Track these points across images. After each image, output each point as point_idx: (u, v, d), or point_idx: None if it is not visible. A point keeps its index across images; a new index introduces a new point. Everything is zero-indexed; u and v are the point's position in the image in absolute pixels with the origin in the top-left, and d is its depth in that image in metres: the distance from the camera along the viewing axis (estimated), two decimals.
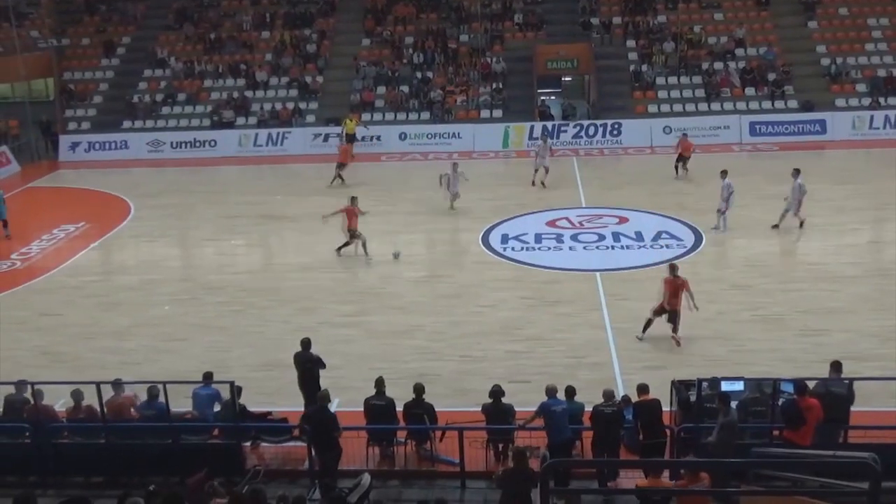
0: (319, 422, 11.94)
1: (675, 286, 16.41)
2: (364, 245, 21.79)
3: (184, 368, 15.49)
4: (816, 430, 11.56)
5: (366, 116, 35.50)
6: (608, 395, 12.26)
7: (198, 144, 35.66)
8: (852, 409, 12.37)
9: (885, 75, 34.26)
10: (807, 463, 10.23)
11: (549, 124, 34.50)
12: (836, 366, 12.54)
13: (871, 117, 32.75)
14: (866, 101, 33.61)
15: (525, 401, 13.01)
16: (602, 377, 14.93)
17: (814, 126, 32.92)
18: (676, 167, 28.67)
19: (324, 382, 13.75)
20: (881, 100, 33.46)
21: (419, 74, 37.38)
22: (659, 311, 16.59)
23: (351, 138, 33.38)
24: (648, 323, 16.66)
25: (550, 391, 12.15)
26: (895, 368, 14.11)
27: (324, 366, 13.95)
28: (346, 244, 21.85)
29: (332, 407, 12.86)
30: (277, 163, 34.24)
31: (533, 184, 27.73)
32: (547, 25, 38.48)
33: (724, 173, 23.12)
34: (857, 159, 30.20)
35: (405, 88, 36.91)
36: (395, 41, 38.91)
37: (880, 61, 35.09)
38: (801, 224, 22.66)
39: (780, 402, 12.20)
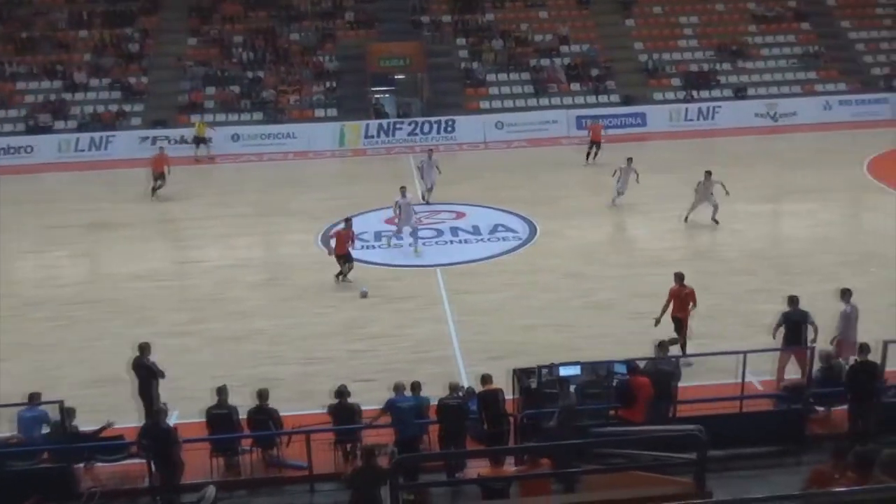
0: (157, 436, 11.50)
1: (681, 296, 15.44)
2: (345, 272, 19.52)
3: (7, 391, 14.50)
4: (648, 406, 12.20)
5: (195, 118, 34.42)
6: (453, 387, 12.45)
7: (12, 151, 33.51)
8: (680, 385, 13.14)
9: (697, 70, 36.47)
10: (640, 439, 10.74)
11: (384, 122, 34.63)
12: (662, 345, 13.27)
13: (686, 110, 34.78)
14: (681, 95, 35.65)
15: (372, 399, 13.02)
16: (446, 370, 15.15)
17: (635, 119, 34.65)
18: (588, 154, 29.51)
19: (163, 393, 13.26)
20: (694, 93, 35.58)
21: (250, 74, 36.62)
22: (658, 321, 15.41)
23: (199, 141, 32.38)
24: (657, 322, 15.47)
25: (397, 388, 12.22)
26: (717, 345, 15.02)
27: (162, 375, 13.43)
28: (342, 271, 19.52)
29: (173, 419, 12.42)
30: (102, 168, 32.65)
31: (425, 200, 25.57)
32: (379, 24, 38.58)
33: (629, 160, 24.54)
34: (675, 149, 32.01)
35: (235, 88, 36.05)
36: (224, 40, 37.93)
37: (691, 56, 37.32)
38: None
39: (614, 384, 12.80)
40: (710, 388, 13.65)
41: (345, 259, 19.55)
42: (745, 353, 12.94)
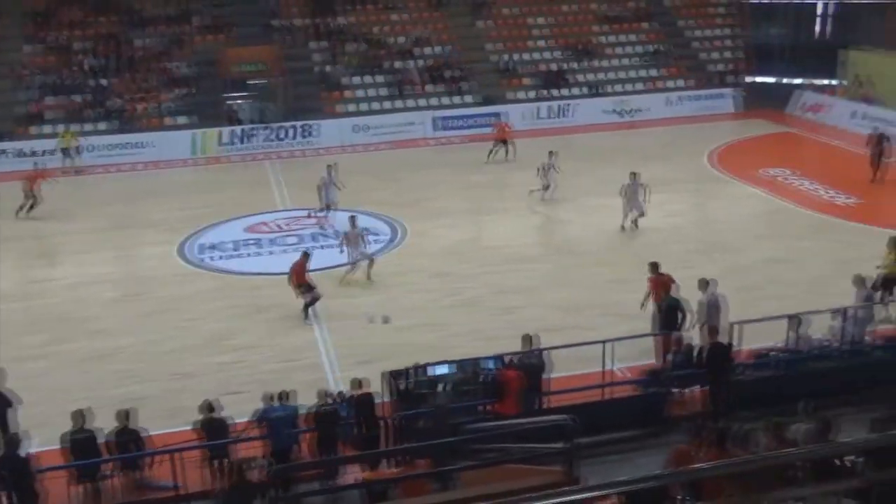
0: (14, 467, 10.88)
1: (659, 283, 15.98)
2: (308, 304, 18.10)
3: None
4: (519, 399, 12.49)
5: (35, 130, 32.67)
6: (324, 394, 12.37)
7: None
8: (548, 376, 13.52)
9: (548, 70, 37.49)
10: (511, 432, 10.96)
11: (239, 129, 33.91)
12: (528, 339, 13.60)
13: (538, 108, 35.71)
14: (533, 94, 36.57)
15: (244, 411, 12.77)
16: (317, 377, 15.03)
17: (492, 119, 35.23)
18: (493, 151, 29.49)
19: (21, 421, 12.59)
20: (547, 92, 36.57)
21: (94, 82, 35.05)
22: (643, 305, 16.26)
23: (66, 152, 30.69)
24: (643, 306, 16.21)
25: (267, 398, 12.02)
26: (581, 336, 15.50)
27: (19, 402, 12.72)
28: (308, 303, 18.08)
29: (31, 447, 11.78)
30: None
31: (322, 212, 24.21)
32: (232, 28, 37.70)
33: (551, 153, 25.10)
34: (533, 147, 32.74)
35: (80, 97, 34.42)
36: (65, 46, 36.15)
37: (541, 57, 38.33)
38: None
39: (480, 379, 13.04)
40: (577, 378, 14.10)
41: (305, 288, 18.14)
42: (604, 342, 13.46)
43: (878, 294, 16.51)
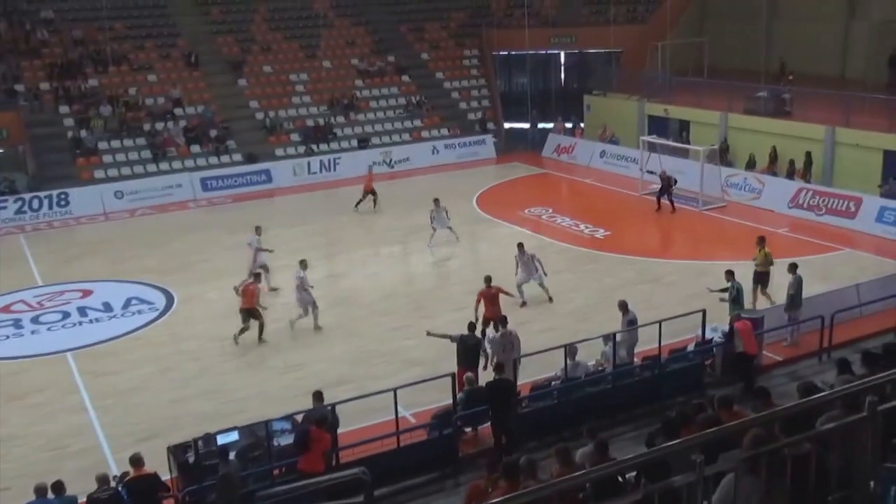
0: None
1: (492, 295, 18.03)
2: (260, 329, 19.25)
3: None
4: (326, 457, 12.25)
5: None
6: (102, 479, 11.51)
7: None
8: (339, 430, 13.38)
9: (314, 124, 37.69)
10: (305, 493, 10.69)
11: None
12: (318, 395, 13.41)
13: (308, 163, 35.75)
14: (302, 149, 36.57)
15: None
16: (92, 462, 13.99)
17: (260, 176, 34.84)
18: (361, 200, 29.83)
19: None
20: (314, 146, 36.69)
21: None
22: (487, 322, 17.58)
23: None
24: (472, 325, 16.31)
25: (39, 491, 11.02)
26: (369, 386, 15.52)
27: None
28: (245, 329, 19.09)
29: None
30: None
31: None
32: None
33: (436, 200, 25.53)
34: (303, 202, 32.72)
35: None
36: None
37: (307, 112, 38.51)
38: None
39: (275, 443, 12.68)
40: (369, 429, 14.07)
41: (254, 314, 19.15)
42: (394, 389, 13.53)
43: (753, 287, 19.12)
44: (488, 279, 18.42)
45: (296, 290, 20.06)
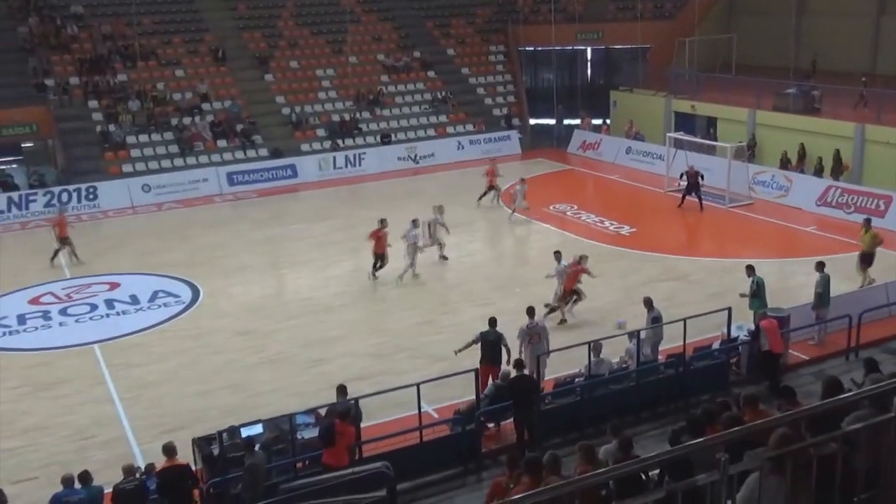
0: None
1: (578, 271, 19.23)
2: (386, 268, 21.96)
3: None
4: (350, 451, 12.30)
5: None
6: (128, 470, 11.62)
7: None
8: (363, 425, 13.42)
9: (339, 119, 37.80)
10: (330, 486, 10.76)
11: (15, 195, 31.68)
12: (342, 389, 13.44)
13: (334, 158, 35.87)
14: (327, 144, 36.71)
15: (39, 499, 11.76)
16: (119, 453, 14.14)
17: (286, 171, 35.00)
18: (484, 195, 29.47)
19: None
20: (339, 142, 36.81)
21: None
22: (564, 298, 19.14)
23: None
24: (552, 310, 19.01)
25: (66, 481, 11.16)
26: (392, 381, 15.54)
27: None
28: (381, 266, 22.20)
29: None
30: None
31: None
32: None
33: (436, 208, 24.49)
34: (328, 197, 32.83)
35: None
36: None
37: (332, 107, 38.63)
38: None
39: (298, 436, 12.74)
40: (392, 424, 14.10)
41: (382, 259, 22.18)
42: (418, 384, 13.54)
43: (858, 267, 20.03)
44: (583, 258, 19.60)
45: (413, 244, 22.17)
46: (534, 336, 15.57)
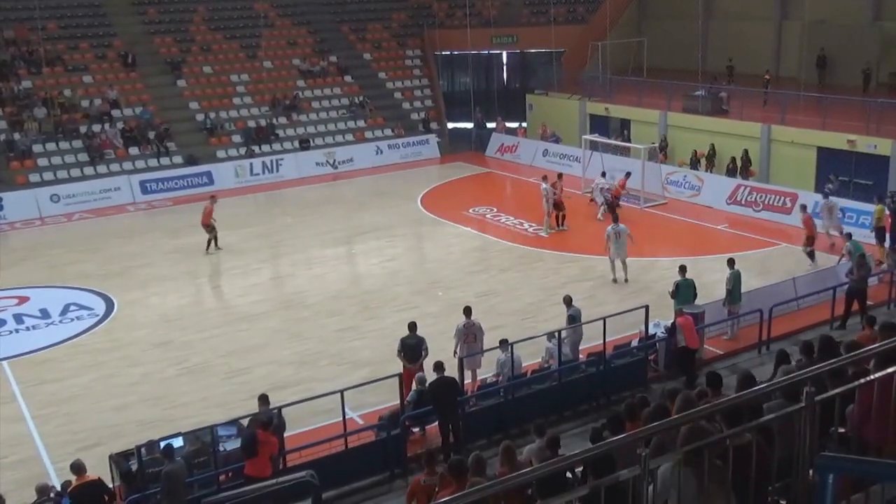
0: None
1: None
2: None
3: None
4: (273, 462, 12.11)
5: None
6: (41, 490, 11.25)
7: None
8: (286, 434, 13.26)
9: (255, 125, 37.28)
10: (251, 498, 10.57)
11: None
12: (263, 398, 13.25)
13: (251, 164, 35.36)
14: (243, 151, 36.15)
15: None
16: (32, 473, 13.66)
17: (201, 178, 34.34)
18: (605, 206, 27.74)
19: None
20: (255, 148, 36.30)
21: None
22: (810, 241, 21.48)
23: None
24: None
25: None
26: (316, 388, 15.41)
27: None
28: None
29: None
30: None
31: None
32: None
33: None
34: (245, 204, 32.34)
35: None
36: None
37: (248, 113, 38.08)
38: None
39: (220, 448, 12.51)
40: (317, 432, 13.97)
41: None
42: (341, 391, 13.45)
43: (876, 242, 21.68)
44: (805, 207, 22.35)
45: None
46: (469, 335, 15.67)
